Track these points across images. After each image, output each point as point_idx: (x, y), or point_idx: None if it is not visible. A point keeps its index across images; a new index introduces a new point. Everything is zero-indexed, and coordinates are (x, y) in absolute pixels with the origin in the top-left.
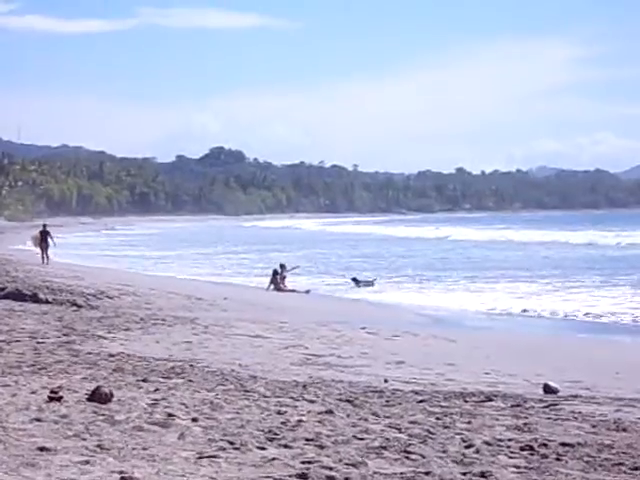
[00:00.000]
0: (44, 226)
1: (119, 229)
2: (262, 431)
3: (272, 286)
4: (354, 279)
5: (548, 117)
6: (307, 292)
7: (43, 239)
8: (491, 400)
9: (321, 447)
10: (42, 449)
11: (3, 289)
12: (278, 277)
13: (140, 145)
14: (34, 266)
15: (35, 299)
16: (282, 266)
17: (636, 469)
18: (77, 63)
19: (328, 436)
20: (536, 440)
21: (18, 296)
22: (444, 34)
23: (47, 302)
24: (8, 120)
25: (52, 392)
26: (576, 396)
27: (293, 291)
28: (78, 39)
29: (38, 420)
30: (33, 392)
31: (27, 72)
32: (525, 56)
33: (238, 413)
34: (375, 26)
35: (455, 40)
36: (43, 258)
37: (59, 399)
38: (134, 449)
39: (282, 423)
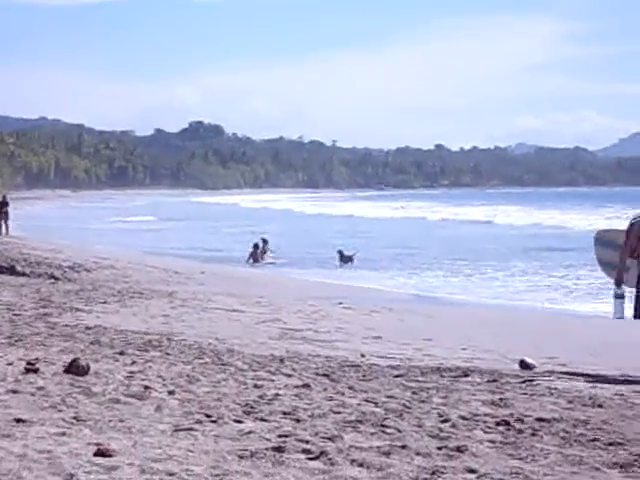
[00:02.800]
0: (3, 197)
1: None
2: (239, 404)
3: (251, 259)
4: (340, 252)
5: (529, 94)
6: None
7: (2, 211)
8: (467, 375)
9: (297, 421)
10: (18, 420)
11: None
12: (258, 251)
13: (119, 118)
14: (11, 238)
15: (12, 271)
16: (265, 241)
17: (611, 445)
18: (56, 35)
19: (305, 410)
20: (512, 415)
21: None
22: (427, 10)
23: (24, 275)
24: None
25: (29, 364)
26: (552, 372)
27: (272, 263)
28: (58, 11)
29: (14, 392)
30: (9, 364)
31: (4, 44)
32: (508, 33)
33: (215, 386)
34: (358, 1)
35: (438, 16)
36: (0, 229)
37: (36, 371)
38: (110, 421)
39: (259, 397)
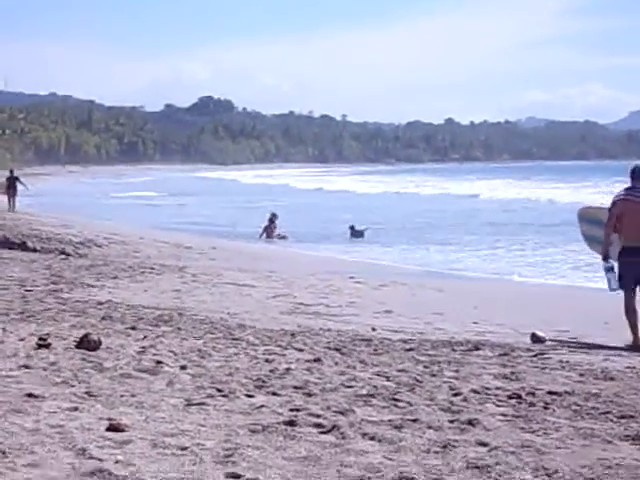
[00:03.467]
0: (11, 172)
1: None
2: (250, 379)
3: (264, 234)
4: (351, 227)
5: (537, 68)
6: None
7: (10, 186)
8: (479, 349)
9: (309, 395)
10: (30, 395)
11: None
12: (273, 225)
13: (129, 94)
14: (23, 215)
15: (23, 247)
16: (274, 215)
17: (622, 417)
18: (66, 11)
19: (316, 384)
20: (523, 389)
21: (6, 244)
22: None
23: (35, 250)
24: None
25: (40, 339)
26: (563, 345)
27: (284, 237)
28: None
29: (26, 367)
30: (21, 339)
31: (15, 20)
32: (516, 7)
33: (226, 361)
34: None
35: None
36: (9, 205)
37: (47, 346)
38: (122, 396)
39: (270, 371)
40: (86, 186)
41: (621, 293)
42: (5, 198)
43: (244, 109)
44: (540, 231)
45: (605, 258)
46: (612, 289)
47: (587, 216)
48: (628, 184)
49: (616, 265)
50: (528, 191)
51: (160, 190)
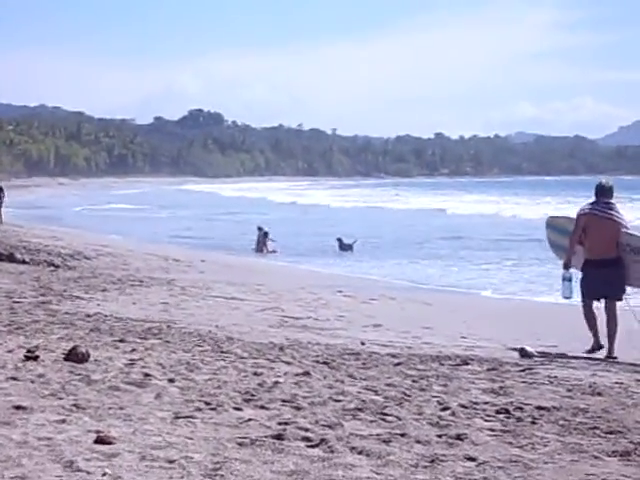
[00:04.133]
0: None
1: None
2: (239, 392)
3: (256, 247)
4: (339, 240)
5: (528, 82)
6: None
7: None
8: (467, 364)
9: (297, 408)
10: (18, 408)
11: None
12: (267, 239)
13: (118, 106)
14: (10, 226)
15: (11, 259)
16: (261, 229)
17: (611, 433)
18: (56, 21)
19: (304, 397)
20: (512, 403)
21: None
22: None
23: (24, 262)
24: None
25: (28, 351)
26: (551, 360)
27: (274, 252)
28: None
29: (14, 379)
30: (9, 351)
31: (3, 30)
32: (505, 21)
33: (215, 374)
34: None
35: (436, 5)
36: None
37: (35, 358)
38: (110, 408)
39: (259, 384)
40: (73, 198)
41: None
42: None
43: (234, 122)
44: (516, 247)
45: (566, 267)
46: (565, 297)
47: (554, 224)
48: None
49: (576, 275)
50: (498, 206)
51: (142, 203)
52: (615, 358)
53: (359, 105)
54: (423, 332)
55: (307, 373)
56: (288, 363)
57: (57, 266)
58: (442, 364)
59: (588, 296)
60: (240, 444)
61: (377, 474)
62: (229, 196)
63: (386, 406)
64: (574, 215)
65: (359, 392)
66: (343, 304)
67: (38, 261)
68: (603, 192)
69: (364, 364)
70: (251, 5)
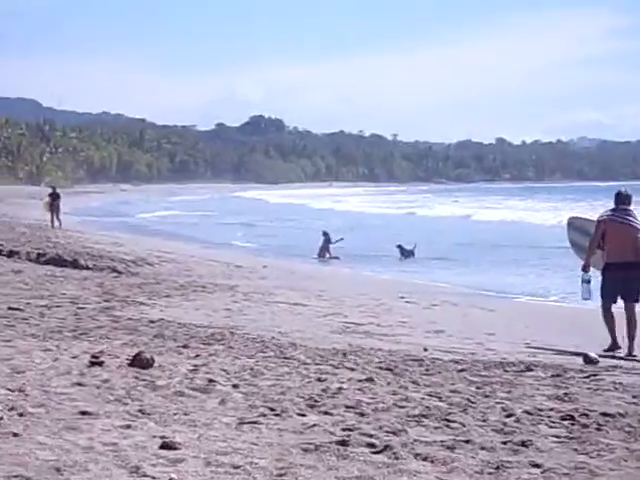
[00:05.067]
0: (53, 189)
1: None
2: (302, 398)
3: (319, 253)
4: (400, 247)
5: (590, 87)
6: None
7: (53, 202)
8: (531, 370)
9: (361, 414)
10: (84, 413)
11: (44, 255)
12: (330, 245)
13: (180, 113)
14: (74, 232)
15: (75, 265)
16: (327, 234)
17: None
18: (118, 29)
19: (368, 404)
20: (577, 410)
21: (59, 262)
22: (484, 2)
23: (87, 268)
24: (49, 87)
25: (93, 357)
26: (616, 367)
27: (337, 258)
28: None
29: (80, 384)
30: (74, 357)
31: (68, 38)
32: (567, 25)
33: (278, 380)
34: None
35: (496, 9)
36: (52, 222)
37: (100, 364)
38: (175, 414)
39: (322, 390)
40: (135, 204)
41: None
42: (48, 215)
43: (295, 128)
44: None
45: (585, 269)
46: (584, 298)
47: (575, 225)
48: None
49: (595, 277)
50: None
51: (196, 209)
52: (635, 356)
53: (420, 111)
54: (486, 338)
55: (370, 379)
56: (351, 369)
57: (120, 272)
58: (506, 370)
59: (607, 298)
60: (305, 450)
61: None
62: (275, 202)
63: (450, 412)
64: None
65: (423, 398)
66: (405, 310)
67: (101, 267)
68: (622, 200)
69: (427, 370)
70: (312, 13)
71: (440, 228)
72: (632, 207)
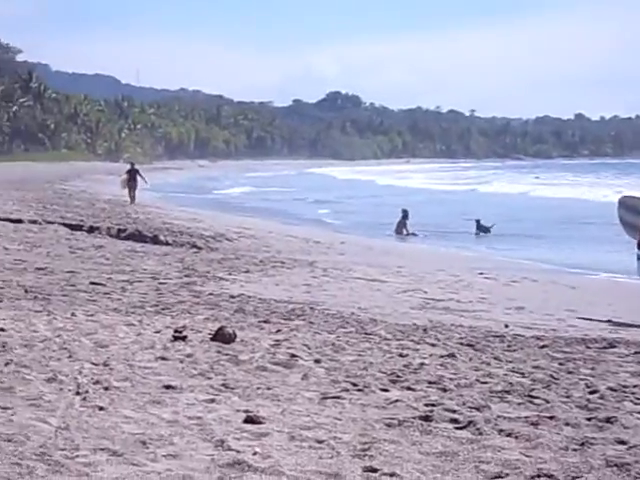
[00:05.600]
0: (132, 165)
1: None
2: (384, 373)
3: (396, 230)
4: (477, 221)
5: None
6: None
7: (131, 179)
8: (614, 347)
9: (444, 390)
10: (168, 387)
11: (124, 230)
12: (404, 222)
13: (257, 89)
14: (153, 208)
15: (155, 240)
16: (406, 211)
17: None
18: (196, 6)
19: (451, 379)
20: None
21: (139, 237)
22: None
23: (167, 244)
24: (127, 63)
25: (176, 331)
26: None
27: (414, 234)
28: None
29: (163, 359)
30: (157, 331)
31: (146, 16)
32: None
33: (360, 355)
34: None
35: None
36: (131, 198)
37: (183, 338)
38: (258, 389)
39: (404, 366)
40: (213, 179)
41: None
42: (126, 191)
43: (371, 104)
44: None
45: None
46: None
47: (626, 203)
48: None
49: None
50: None
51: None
52: None
53: (498, 86)
54: (567, 314)
55: (452, 355)
56: (432, 345)
57: (200, 248)
58: (588, 347)
59: None
60: (388, 425)
61: (526, 456)
62: (343, 179)
63: (533, 389)
64: None
65: (505, 374)
66: (484, 286)
67: (181, 243)
68: None
69: (509, 346)
70: None
71: (512, 205)
72: None
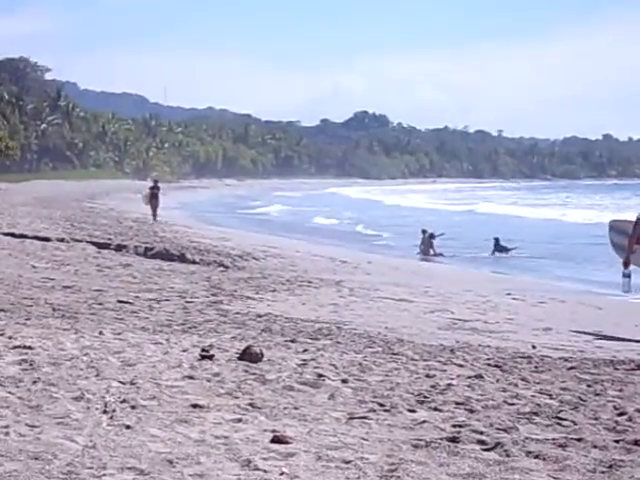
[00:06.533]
0: (155, 182)
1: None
2: (412, 394)
3: (422, 247)
4: (496, 239)
5: None
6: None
7: (153, 196)
8: None
9: (471, 411)
10: (195, 406)
11: (152, 249)
12: (433, 241)
13: (285, 108)
14: (180, 227)
15: (183, 259)
16: (429, 233)
17: None
18: (223, 24)
19: (478, 400)
20: None
21: (166, 256)
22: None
23: (194, 262)
24: (155, 82)
25: (203, 350)
26: None
27: (440, 255)
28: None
29: (190, 378)
30: (184, 350)
31: (174, 34)
32: None
33: (387, 375)
34: None
35: (602, 5)
36: (154, 216)
37: (210, 357)
38: (285, 408)
39: (431, 386)
40: (239, 198)
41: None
42: (149, 207)
43: (399, 124)
44: None
45: (625, 265)
46: (624, 291)
47: (616, 227)
48: None
49: (636, 272)
50: None
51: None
52: None
53: (525, 107)
54: (595, 336)
55: (480, 376)
56: (460, 365)
57: (227, 266)
58: (616, 368)
59: None
60: (415, 446)
61: (554, 479)
62: (355, 198)
63: (561, 410)
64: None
65: (533, 396)
66: (512, 307)
67: (208, 261)
68: None
69: (537, 368)
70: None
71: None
72: None
